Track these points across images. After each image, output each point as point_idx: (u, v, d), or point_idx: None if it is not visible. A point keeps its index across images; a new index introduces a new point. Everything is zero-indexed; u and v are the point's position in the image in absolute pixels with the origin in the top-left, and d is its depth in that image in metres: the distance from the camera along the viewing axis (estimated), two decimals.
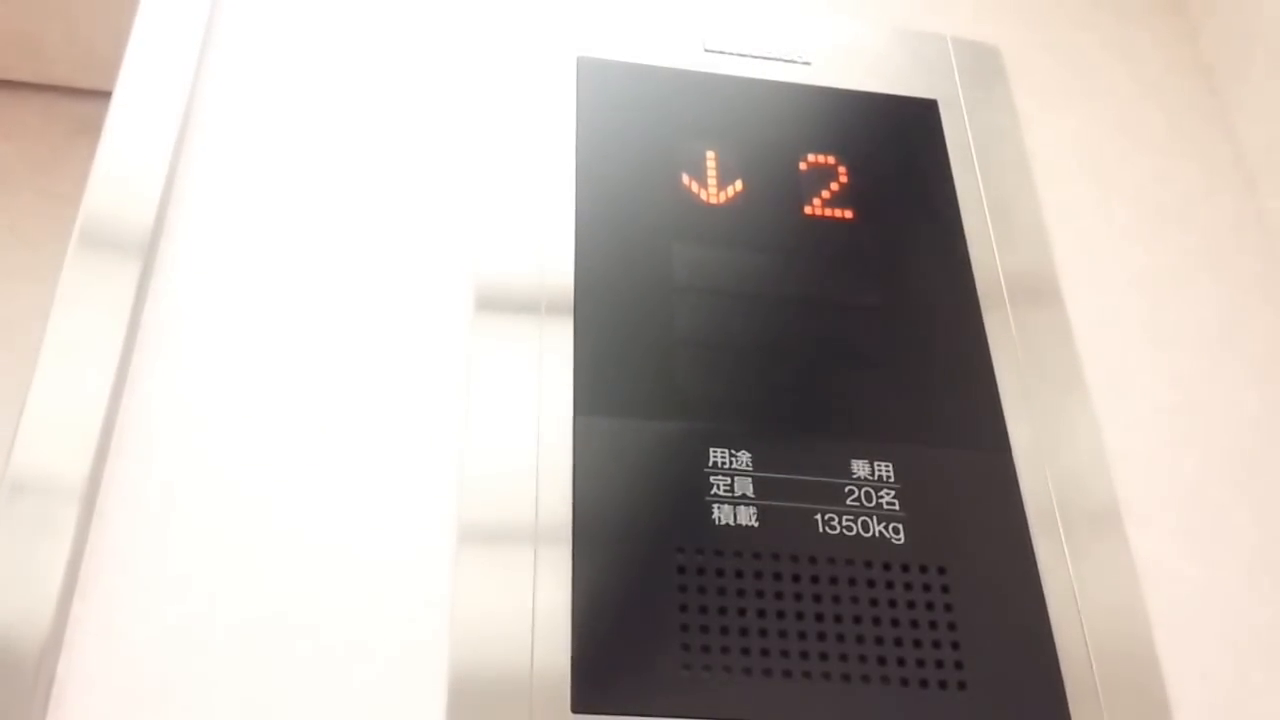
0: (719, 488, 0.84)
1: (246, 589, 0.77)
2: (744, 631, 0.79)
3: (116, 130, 0.91)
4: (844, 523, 0.84)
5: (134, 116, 0.92)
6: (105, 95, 0.93)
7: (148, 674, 0.73)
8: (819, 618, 0.81)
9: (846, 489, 0.86)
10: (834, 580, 0.82)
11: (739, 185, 0.99)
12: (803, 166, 1.02)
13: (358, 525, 0.81)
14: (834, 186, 1.01)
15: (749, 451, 0.86)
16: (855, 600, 0.82)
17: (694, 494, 0.84)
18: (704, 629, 0.79)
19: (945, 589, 0.83)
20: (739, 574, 0.81)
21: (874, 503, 0.86)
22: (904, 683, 0.79)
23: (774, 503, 0.84)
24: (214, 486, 0.80)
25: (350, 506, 0.81)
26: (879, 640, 0.81)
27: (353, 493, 0.82)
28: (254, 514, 0.80)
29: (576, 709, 0.75)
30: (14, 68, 1.50)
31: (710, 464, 0.85)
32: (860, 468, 0.87)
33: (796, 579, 0.82)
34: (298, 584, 0.78)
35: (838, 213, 1.00)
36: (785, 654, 0.79)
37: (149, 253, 0.86)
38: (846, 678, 0.79)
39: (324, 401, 0.85)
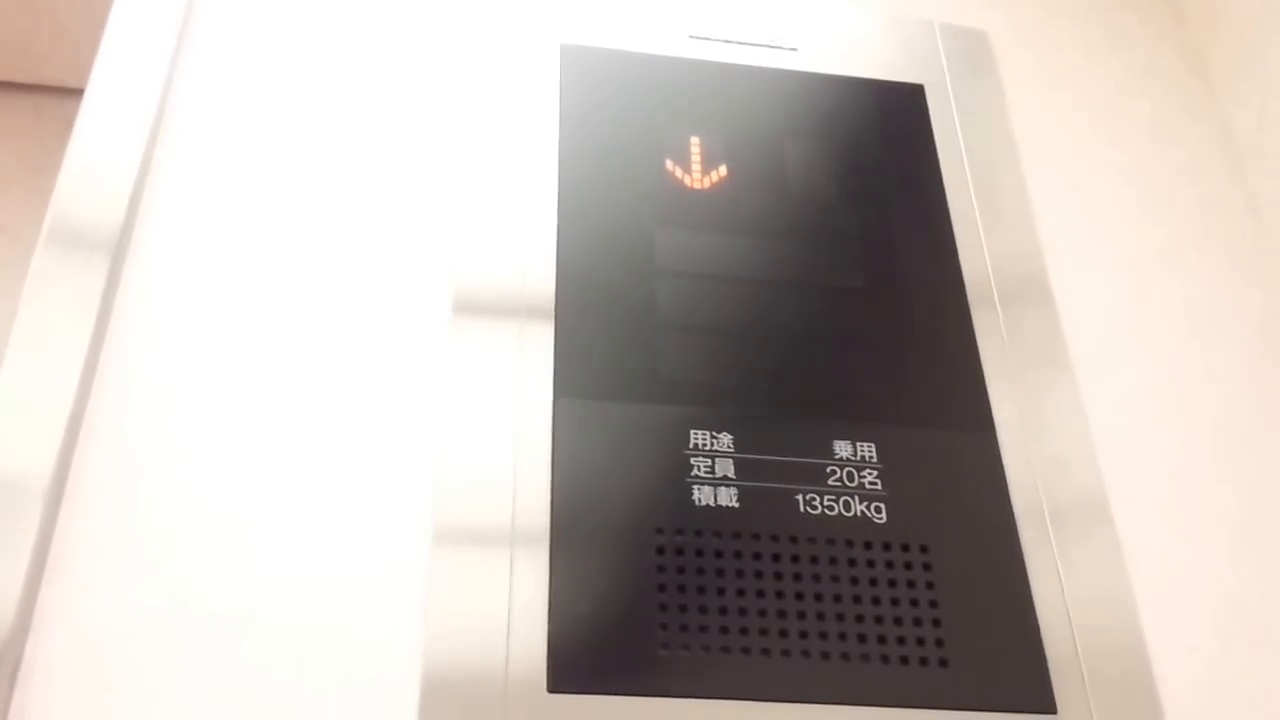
0: (699, 469, 0.84)
1: (216, 579, 0.77)
2: (723, 611, 0.79)
3: (89, 124, 0.91)
4: (825, 502, 0.84)
5: (107, 111, 0.92)
6: None
7: (115, 659, 0.73)
8: (799, 597, 0.80)
9: (828, 469, 0.85)
10: (814, 560, 0.82)
11: (723, 170, 0.99)
12: (788, 151, 1.01)
13: (330, 515, 0.81)
14: (819, 171, 1.01)
15: (730, 433, 0.86)
16: (836, 579, 0.81)
17: (674, 476, 0.83)
18: (683, 609, 0.78)
19: (927, 567, 0.83)
20: (719, 554, 0.81)
21: (856, 483, 0.85)
22: (885, 660, 0.79)
23: (755, 484, 0.84)
24: (184, 476, 0.80)
25: (323, 496, 0.81)
26: (860, 619, 0.80)
27: (326, 483, 0.82)
28: (225, 506, 0.79)
29: (553, 689, 0.75)
30: (3, 68, 1.51)
31: (691, 446, 0.85)
32: (842, 448, 0.86)
33: (777, 559, 0.81)
34: (268, 573, 0.78)
35: (823, 197, 1.00)
36: (765, 633, 0.78)
37: (119, 247, 0.86)
38: (826, 656, 0.78)
39: (297, 396, 0.85)
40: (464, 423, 0.84)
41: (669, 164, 0.98)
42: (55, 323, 0.82)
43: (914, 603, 0.81)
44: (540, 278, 0.91)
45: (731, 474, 0.84)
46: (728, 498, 0.83)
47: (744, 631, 0.78)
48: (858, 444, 0.87)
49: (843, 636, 0.79)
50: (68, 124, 0.91)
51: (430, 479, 0.83)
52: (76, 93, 0.95)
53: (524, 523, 0.80)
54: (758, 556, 0.81)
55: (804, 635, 0.79)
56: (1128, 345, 0.99)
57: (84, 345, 0.82)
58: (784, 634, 0.79)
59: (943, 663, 0.79)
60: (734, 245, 0.96)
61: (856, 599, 0.81)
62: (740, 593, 0.80)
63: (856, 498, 0.85)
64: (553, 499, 0.81)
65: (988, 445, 0.89)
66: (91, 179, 0.89)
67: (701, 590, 0.79)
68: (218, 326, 0.86)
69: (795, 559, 0.81)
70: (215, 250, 0.90)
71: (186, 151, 0.93)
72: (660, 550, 0.80)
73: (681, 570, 0.80)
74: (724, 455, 0.85)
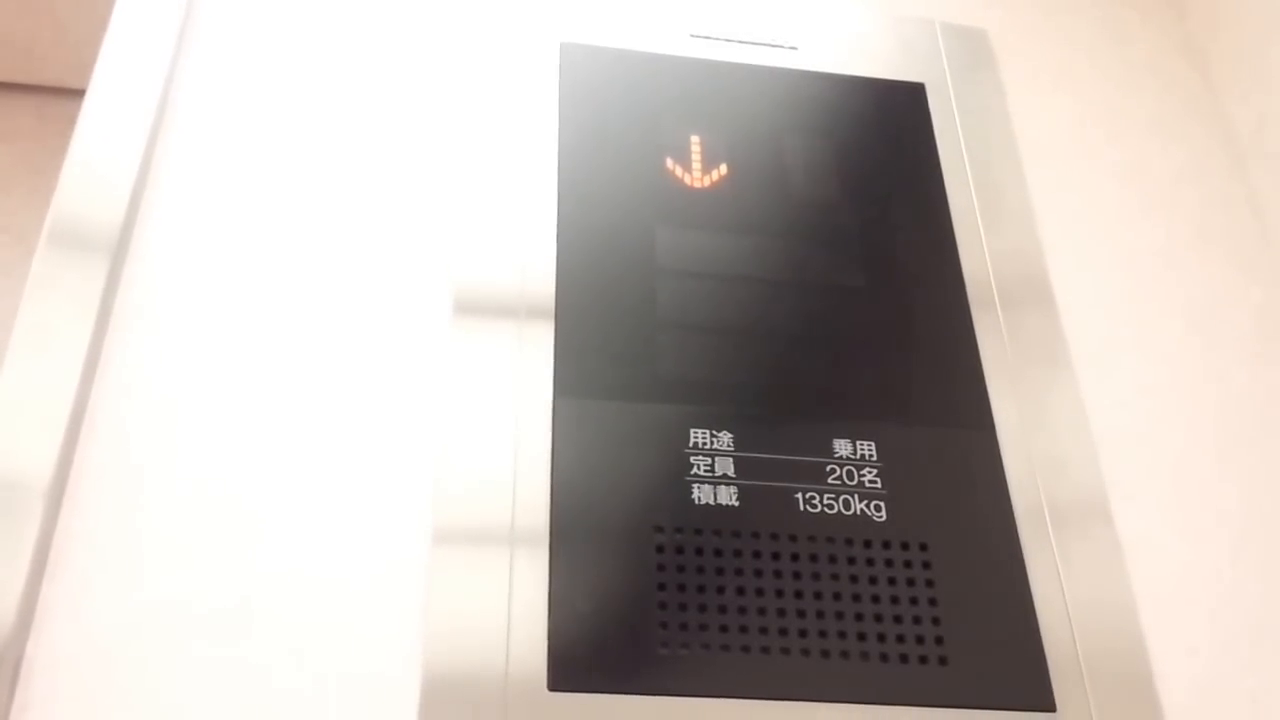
0: (699, 468, 0.84)
1: (216, 578, 0.77)
2: (723, 610, 0.79)
3: (90, 125, 0.91)
4: (825, 501, 0.84)
5: (108, 112, 0.92)
6: None
7: (116, 658, 0.73)
8: (799, 595, 0.80)
9: (828, 468, 0.85)
10: (814, 558, 0.82)
11: (724, 169, 0.99)
12: (788, 150, 1.01)
13: (331, 515, 0.81)
14: (820, 170, 1.01)
15: (730, 432, 0.86)
16: (836, 577, 0.81)
17: (674, 474, 0.83)
18: (682, 607, 0.78)
19: (927, 565, 0.83)
20: (718, 553, 0.81)
21: (856, 481, 0.85)
22: (884, 659, 0.79)
23: (755, 482, 0.84)
24: (185, 476, 0.80)
25: (324, 496, 0.81)
26: (859, 617, 0.80)
27: (326, 482, 0.82)
28: (225, 506, 0.80)
29: (553, 687, 0.75)
30: (6, 69, 1.51)
31: (691, 445, 0.85)
32: (842, 447, 0.87)
33: (776, 557, 0.81)
34: (269, 572, 0.78)
35: (823, 196, 1.00)
36: (765, 631, 0.79)
37: (120, 247, 0.87)
38: (826, 654, 0.78)
39: (297, 396, 0.85)
40: (464, 422, 0.84)
41: (669, 163, 0.98)
42: (56, 322, 0.83)
43: (914, 601, 0.81)
44: (540, 277, 0.91)
45: (731, 472, 0.84)
46: (727, 496, 0.83)
47: (744, 630, 0.78)
48: (858, 442, 0.87)
49: (842, 635, 0.79)
50: (69, 125, 0.92)
51: (431, 478, 0.83)
52: (78, 94, 0.95)
53: (524, 522, 0.80)
54: (757, 555, 0.81)
55: (804, 634, 0.79)
56: (1128, 344, 0.99)
57: (85, 345, 0.82)
58: (784, 632, 0.79)
59: (942, 661, 0.80)
60: (734, 244, 0.96)
61: (856, 597, 0.81)
62: (740, 591, 0.80)
63: (856, 496, 0.85)
64: (553, 498, 0.81)
65: (988, 444, 0.89)
66: (92, 180, 0.89)
67: (701, 589, 0.79)
68: (218, 327, 0.86)
69: (795, 557, 0.81)
70: (216, 251, 0.90)
71: (187, 152, 0.94)
72: (660, 549, 0.81)
73: (681, 569, 0.80)
74: (724, 454, 0.85)
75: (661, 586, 0.79)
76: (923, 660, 0.79)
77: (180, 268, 0.88)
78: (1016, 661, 0.81)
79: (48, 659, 0.72)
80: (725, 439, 0.85)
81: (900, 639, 0.80)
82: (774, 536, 0.82)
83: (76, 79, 1.40)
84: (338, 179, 0.94)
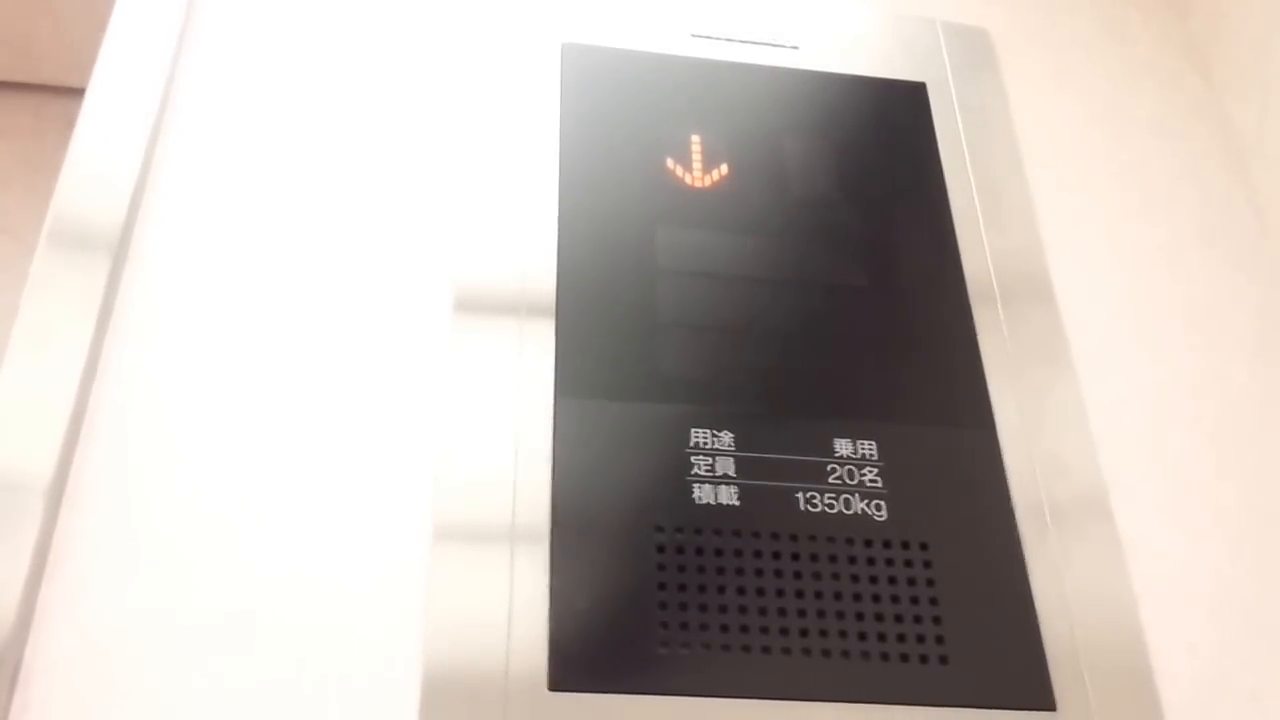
0: (700, 467, 0.84)
1: (216, 579, 0.77)
2: (723, 609, 0.79)
3: (90, 124, 0.91)
4: (825, 500, 0.84)
5: (108, 111, 0.92)
6: None
7: (115, 659, 0.73)
8: (799, 595, 0.80)
9: (829, 467, 0.85)
10: (815, 557, 0.82)
11: (724, 169, 0.99)
12: (789, 149, 1.01)
13: (331, 514, 0.81)
14: (821, 170, 1.01)
15: (731, 432, 0.86)
16: (836, 577, 0.81)
17: (674, 474, 0.83)
18: (683, 607, 0.78)
19: (927, 564, 0.83)
20: (719, 552, 0.81)
21: (856, 480, 0.85)
22: (885, 658, 0.79)
23: (755, 482, 0.84)
24: (185, 476, 0.80)
25: (324, 496, 0.81)
26: (860, 616, 0.80)
27: (326, 482, 0.82)
28: (225, 506, 0.79)
29: (554, 687, 0.75)
30: (4, 67, 1.51)
31: (691, 444, 0.85)
32: (843, 446, 0.86)
33: (777, 557, 0.81)
34: (268, 573, 0.78)
35: (824, 196, 1.00)
36: (765, 631, 0.78)
37: (120, 247, 0.87)
38: (827, 654, 0.78)
39: (298, 396, 0.84)
40: (465, 421, 0.84)
41: (670, 162, 0.98)
42: (56, 323, 0.83)
43: (914, 600, 0.81)
44: (541, 276, 0.91)
45: (732, 472, 0.84)
46: (728, 496, 0.83)
47: (744, 629, 0.78)
48: (858, 442, 0.87)
49: (843, 634, 0.79)
50: (69, 124, 0.92)
51: (431, 477, 0.83)
52: (77, 92, 0.95)
53: (525, 520, 0.80)
54: (758, 555, 0.81)
55: (804, 633, 0.79)
56: (1129, 342, 0.99)
57: (85, 345, 0.82)
58: (784, 632, 0.79)
59: (943, 660, 0.79)
60: (735, 244, 0.96)
61: (857, 597, 0.81)
62: (740, 591, 0.80)
63: (857, 495, 0.85)
64: (553, 497, 0.81)
65: (988, 442, 0.89)
66: (92, 179, 0.89)
67: (702, 588, 0.79)
68: (219, 326, 0.86)
69: (795, 557, 0.81)
70: (216, 250, 0.90)
71: (188, 151, 0.93)
72: (660, 548, 0.81)
73: (682, 568, 0.80)
74: (724, 453, 0.85)
75: (662, 586, 0.79)
76: (923, 660, 0.79)
77: (181, 267, 0.88)
78: (1017, 660, 0.81)
79: (47, 660, 0.72)
80: (726, 438, 0.85)
81: (900, 638, 0.80)
82: (774, 536, 0.82)
83: (75, 78, 1.40)
84: (339, 178, 0.94)
